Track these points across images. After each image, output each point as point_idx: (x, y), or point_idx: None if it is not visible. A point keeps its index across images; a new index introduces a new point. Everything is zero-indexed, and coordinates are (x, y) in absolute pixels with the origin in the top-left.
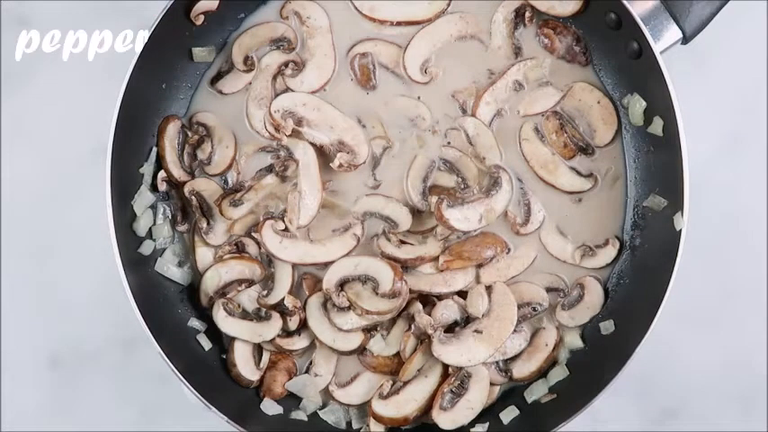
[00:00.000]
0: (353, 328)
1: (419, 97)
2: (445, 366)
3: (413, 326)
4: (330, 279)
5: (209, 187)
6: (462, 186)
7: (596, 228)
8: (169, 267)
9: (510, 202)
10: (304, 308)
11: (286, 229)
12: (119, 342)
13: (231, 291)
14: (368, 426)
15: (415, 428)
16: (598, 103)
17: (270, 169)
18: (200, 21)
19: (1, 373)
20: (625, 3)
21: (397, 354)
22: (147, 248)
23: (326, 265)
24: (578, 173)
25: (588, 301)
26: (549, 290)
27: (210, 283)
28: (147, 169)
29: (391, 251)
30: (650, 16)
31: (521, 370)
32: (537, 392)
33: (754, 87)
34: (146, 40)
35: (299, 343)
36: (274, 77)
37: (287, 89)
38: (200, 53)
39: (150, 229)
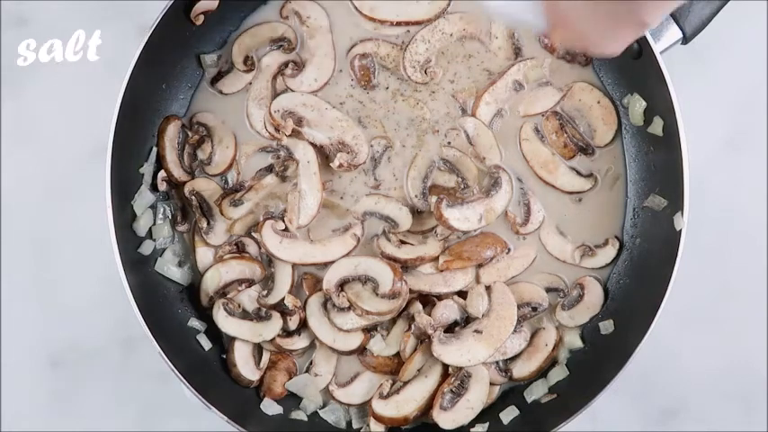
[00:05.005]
0: (353, 328)
1: (419, 97)
2: (445, 366)
3: (413, 326)
4: (330, 279)
5: (209, 187)
6: (462, 186)
7: (596, 228)
8: (169, 267)
9: (510, 202)
10: (304, 308)
11: (286, 229)
12: (119, 342)
13: (231, 291)
14: (368, 425)
15: (415, 428)
16: (598, 103)
17: (270, 169)
18: (200, 21)
19: (1, 373)
20: None
21: (397, 354)
22: (147, 248)
23: (326, 265)
24: (578, 173)
25: (588, 301)
26: (548, 290)
27: (211, 282)
28: (147, 169)
29: (391, 251)
30: None
31: (521, 370)
32: (537, 392)
33: (754, 87)
34: (146, 40)
35: (299, 343)
36: (274, 77)
37: (287, 89)
38: (210, 59)
39: (150, 229)
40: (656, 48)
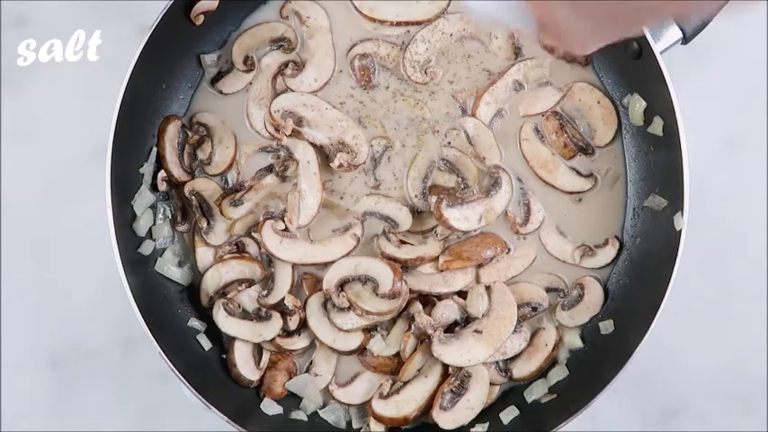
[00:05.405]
0: (353, 328)
1: (419, 97)
2: (445, 366)
3: (413, 326)
4: (330, 279)
5: (210, 187)
6: (462, 186)
7: (596, 228)
8: (169, 267)
9: (510, 202)
10: (304, 308)
11: (286, 229)
12: (119, 342)
13: (231, 291)
14: (368, 425)
15: (415, 428)
16: (598, 103)
17: (270, 169)
18: (200, 21)
19: (1, 373)
20: None
21: (397, 354)
22: (147, 248)
23: (326, 265)
24: (578, 173)
25: (588, 301)
26: (548, 290)
27: (211, 282)
28: (147, 169)
29: (391, 251)
30: None
31: (521, 370)
32: (537, 392)
33: (754, 87)
34: (146, 41)
35: (299, 343)
36: (274, 77)
37: (287, 89)
38: (210, 59)
39: (150, 229)
40: (656, 48)
